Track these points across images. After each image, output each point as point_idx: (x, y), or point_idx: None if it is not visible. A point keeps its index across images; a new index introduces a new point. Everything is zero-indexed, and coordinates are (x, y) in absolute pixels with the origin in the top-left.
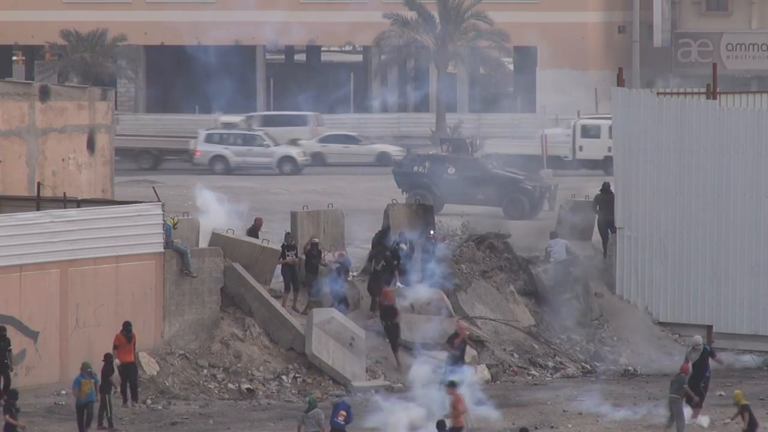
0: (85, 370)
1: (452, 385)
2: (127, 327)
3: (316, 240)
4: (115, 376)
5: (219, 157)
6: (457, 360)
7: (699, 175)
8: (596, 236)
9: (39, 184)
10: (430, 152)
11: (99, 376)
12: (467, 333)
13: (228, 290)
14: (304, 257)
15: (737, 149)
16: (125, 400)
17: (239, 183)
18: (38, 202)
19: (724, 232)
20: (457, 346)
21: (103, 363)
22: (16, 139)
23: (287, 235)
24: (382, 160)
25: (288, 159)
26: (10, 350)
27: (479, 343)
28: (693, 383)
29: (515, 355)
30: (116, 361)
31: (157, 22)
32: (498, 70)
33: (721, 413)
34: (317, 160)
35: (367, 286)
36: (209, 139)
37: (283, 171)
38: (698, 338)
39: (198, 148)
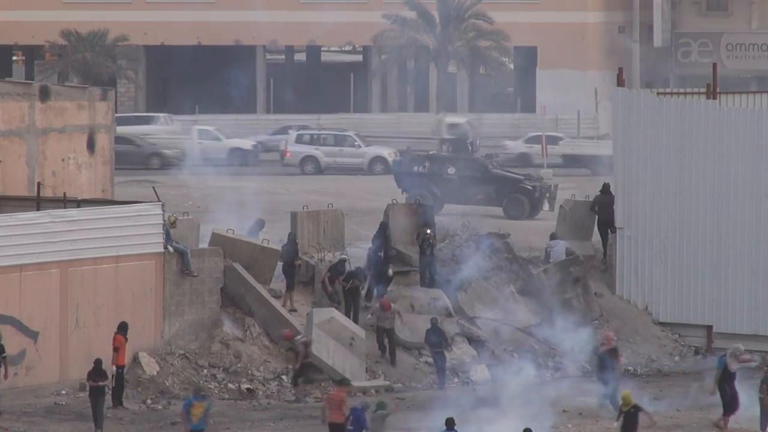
0: (198, 393)
1: (343, 383)
2: (125, 328)
3: (350, 270)
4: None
5: (310, 158)
6: (605, 369)
7: (699, 175)
8: (596, 236)
9: (39, 184)
10: (430, 152)
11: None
12: (613, 344)
13: (228, 290)
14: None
15: (737, 149)
16: (117, 405)
17: (240, 183)
18: (38, 202)
19: (724, 232)
20: (602, 354)
21: (93, 366)
22: (16, 139)
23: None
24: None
25: (379, 159)
26: (5, 357)
27: (479, 343)
28: (729, 387)
29: (515, 355)
30: (113, 369)
31: (157, 22)
32: (498, 70)
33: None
34: (523, 161)
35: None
36: (299, 139)
37: (375, 172)
38: (740, 346)
39: (288, 149)
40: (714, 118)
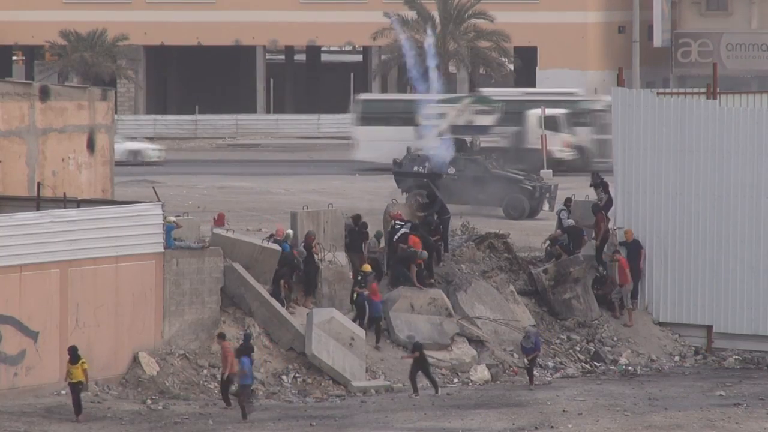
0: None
1: (222, 337)
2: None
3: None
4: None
5: None
6: None
7: (699, 175)
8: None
9: (39, 184)
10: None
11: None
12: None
13: (228, 290)
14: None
15: (737, 149)
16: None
17: (239, 183)
18: (38, 202)
19: (724, 232)
20: None
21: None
22: (16, 139)
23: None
24: None
25: None
26: None
27: (479, 343)
28: None
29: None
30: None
31: (157, 22)
32: (498, 70)
33: (720, 413)
34: None
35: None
36: None
37: None
38: None
39: None
40: (714, 118)
